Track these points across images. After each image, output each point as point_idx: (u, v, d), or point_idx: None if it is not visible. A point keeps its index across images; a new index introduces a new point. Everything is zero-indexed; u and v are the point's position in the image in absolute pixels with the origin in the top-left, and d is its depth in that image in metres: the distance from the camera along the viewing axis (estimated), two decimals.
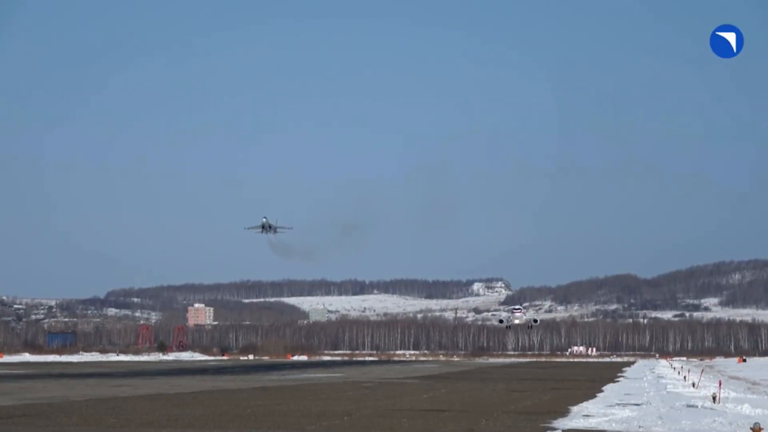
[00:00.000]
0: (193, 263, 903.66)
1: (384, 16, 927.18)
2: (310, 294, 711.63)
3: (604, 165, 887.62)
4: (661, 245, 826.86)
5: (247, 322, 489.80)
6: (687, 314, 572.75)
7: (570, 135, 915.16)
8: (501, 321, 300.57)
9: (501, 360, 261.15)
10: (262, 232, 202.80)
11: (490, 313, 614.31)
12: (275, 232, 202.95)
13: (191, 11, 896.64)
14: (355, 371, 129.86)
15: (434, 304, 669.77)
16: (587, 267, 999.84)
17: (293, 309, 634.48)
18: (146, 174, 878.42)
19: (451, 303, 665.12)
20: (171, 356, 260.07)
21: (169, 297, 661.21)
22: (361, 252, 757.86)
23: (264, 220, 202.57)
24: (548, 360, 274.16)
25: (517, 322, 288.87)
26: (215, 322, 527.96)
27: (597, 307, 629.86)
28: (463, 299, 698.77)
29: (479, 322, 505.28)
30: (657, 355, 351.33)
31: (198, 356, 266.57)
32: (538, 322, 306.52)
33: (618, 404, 58.46)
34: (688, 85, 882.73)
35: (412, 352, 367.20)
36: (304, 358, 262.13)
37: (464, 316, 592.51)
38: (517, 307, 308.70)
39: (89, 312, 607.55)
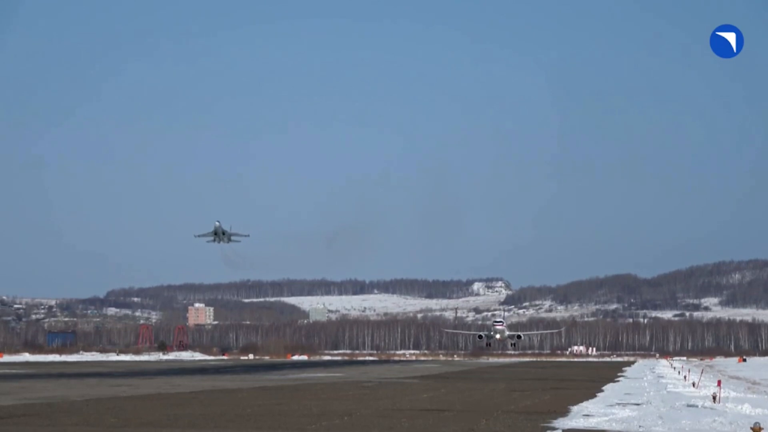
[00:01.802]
0: (193, 263, 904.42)
1: (384, 16, 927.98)
2: (310, 294, 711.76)
3: (604, 165, 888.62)
4: (661, 245, 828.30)
5: (247, 322, 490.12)
6: (687, 314, 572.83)
7: (570, 135, 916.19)
8: (480, 337, 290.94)
9: (501, 360, 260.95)
10: (214, 240, 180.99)
11: (490, 313, 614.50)
12: (229, 240, 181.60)
13: (191, 11, 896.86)
14: (355, 371, 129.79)
15: (434, 304, 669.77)
16: (587, 267, 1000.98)
17: (293, 309, 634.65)
18: (146, 174, 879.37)
19: (451, 303, 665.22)
20: (171, 356, 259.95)
21: (169, 297, 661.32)
22: (362, 252, 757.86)
23: (217, 224, 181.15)
24: (548, 360, 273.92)
25: (498, 337, 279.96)
26: (215, 322, 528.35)
27: (597, 307, 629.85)
28: (463, 299, 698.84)
29: (479, 322, 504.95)
30: (657, 354, 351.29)
31: (198, 356, 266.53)
32: (522, 338, 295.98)
33: (618, 404, 58.42)
34: (688, 85, 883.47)
35: (412, 351, 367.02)
36: (304, 357, 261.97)
37: (464, 315, 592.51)
38: (498, 319, 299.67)
39: (89, 312, 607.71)
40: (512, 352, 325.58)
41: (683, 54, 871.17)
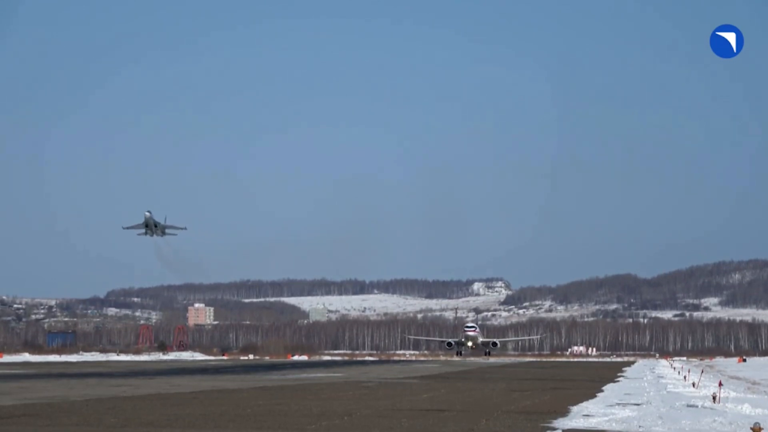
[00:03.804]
0: None
1: (384, 16, 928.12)
2: (310, 294, 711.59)
3: (604, 165, 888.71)
4: (661, 245, 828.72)
5: (247, 322, 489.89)
6: (687, 314, 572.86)
7: (570, 135, 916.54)
8: (450, 345, 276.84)
9: (501, 360, 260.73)
10: (146, 233, 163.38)
11: (490, 313, 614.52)
12: (163, 233, 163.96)
13: (191, 11, 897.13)
14: (355, 371, 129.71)
15: (434, 304, 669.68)
16: (587, 267, 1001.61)
17: (293, 309, 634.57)
18: (146, 173, 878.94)
19: (451, 303, 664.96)
20: (171, 356, 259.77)
21: (169, 297, 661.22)
22: (362, 252, 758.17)
23: (147, 215, 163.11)
24: (548, 360, 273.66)
25: (470, 344, 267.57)
26: (215, 322, 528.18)
27: (597, 307, 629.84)
28: (463, 299, 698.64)
29: (479, 322, 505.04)
30: (657, 354, 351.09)
31: (198, 356, 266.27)
32: (498, 345, 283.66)
33: (618, 404, 58.40)
34: (688, 85, 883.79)
35: (412, 352, 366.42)
36: (304, 358, 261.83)
37: (464, 316, 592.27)
38: (470, 325, 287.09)
39: (89, 312, 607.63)
40: (512, 353, 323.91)
41: (683, 54, 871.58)
